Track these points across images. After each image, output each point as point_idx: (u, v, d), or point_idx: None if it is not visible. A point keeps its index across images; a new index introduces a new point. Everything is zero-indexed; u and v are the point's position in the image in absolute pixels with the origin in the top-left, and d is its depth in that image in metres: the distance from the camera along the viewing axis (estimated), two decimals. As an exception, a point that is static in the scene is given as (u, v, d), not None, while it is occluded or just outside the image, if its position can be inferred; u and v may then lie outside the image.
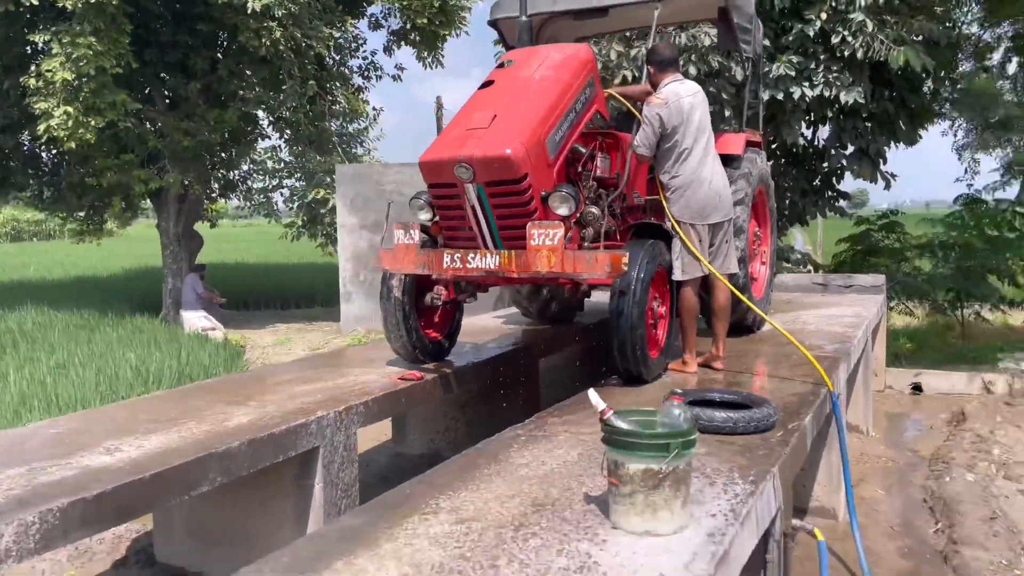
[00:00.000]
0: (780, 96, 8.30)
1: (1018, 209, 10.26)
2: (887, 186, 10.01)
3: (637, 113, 4.69)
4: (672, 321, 4.69)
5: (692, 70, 8.13)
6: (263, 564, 2.22)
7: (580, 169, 4.66)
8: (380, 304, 4.88)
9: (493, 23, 5.91)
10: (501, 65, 4.96)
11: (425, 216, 4.64)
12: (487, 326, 6.46)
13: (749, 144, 5.82)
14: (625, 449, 2.32)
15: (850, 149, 9.53)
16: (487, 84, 4.74)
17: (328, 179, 15.80)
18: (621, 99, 4.87)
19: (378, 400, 4.25)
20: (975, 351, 9.36)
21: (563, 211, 4.20)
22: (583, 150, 4.68)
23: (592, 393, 2.50)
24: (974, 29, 10.16)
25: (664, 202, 4.53)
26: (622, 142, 4.91)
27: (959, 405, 7.59)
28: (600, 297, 7.42)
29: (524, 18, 5.21)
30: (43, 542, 2.66)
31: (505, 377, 5.48)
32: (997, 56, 10.19)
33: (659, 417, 2.41)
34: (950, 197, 10.53)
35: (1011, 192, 9.91)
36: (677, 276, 4.50)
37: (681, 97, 4.40)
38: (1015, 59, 9.99)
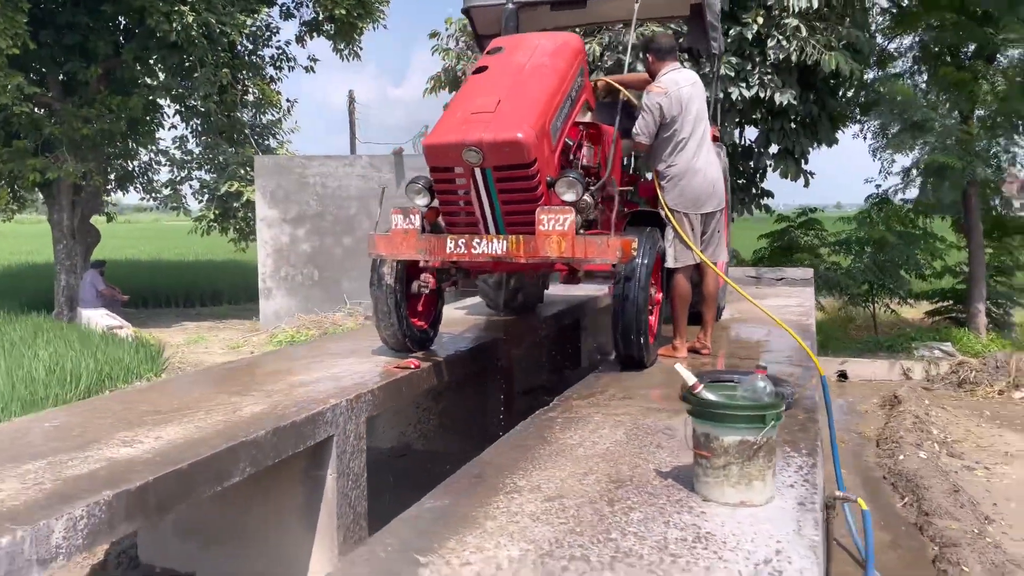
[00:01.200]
0: (720, 96, 8.61)
1: (919, 208, 11.03)
2: (806, 183, 10.60)
3: (636, 101, 4.78)
4: (663, 308, 4.80)
5: (639, 68, 8.32)
6: (374, 545, 2.14)
7: (571, 158, 4.71)
8: (371, 291, 4.77)
9: (466, 11, 5.87)
10: (491, 52, 4.94)
11: (423, 201, 4.56)
12: (454, 317, 6.40)
13: (713, 139, 6.03)
14: (719, 422, 2.37)
15: (775, 149, 10.00)
16: (481, 70, 4.71)
17: (242, 171, 15.26)
18: (620, 87, 4.92)
19: (383, 388, 4.15)
20: (890, 341, 9.98)
21: (570, 197, 4.23)
22: (570, 141, 4.73)
23: (681, 367, 2.53)
24: (879, 39, 10.83)
25: (659, 190, 4.63)
26: (604, 133, 4.99)
27: (887, 390, 8.10)
28: (559, 290, 7.57)
29: (511, 5, 5.21)
30: (90, 537, 2.47)
31: (484, 367, 5.46)
32: (901, 63, 10.93)
33: (741, 391, 2.47)
34: (860, 197, 11.30)
35: (912, 193, 10.65)
36: (670, 264, 4.61)
37: (680, 87, 4.51)
38: (921, 67, 10.73)
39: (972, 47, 9.60)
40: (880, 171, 10.40)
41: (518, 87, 4.41)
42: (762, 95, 8.67)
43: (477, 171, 4.16)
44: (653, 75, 4.67)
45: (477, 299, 6.91)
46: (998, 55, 9.39)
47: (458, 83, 11.24)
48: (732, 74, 8.54)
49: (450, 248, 4.30)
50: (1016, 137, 9.35)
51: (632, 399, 3.77)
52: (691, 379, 2.46)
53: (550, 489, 2.53)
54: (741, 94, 8.65)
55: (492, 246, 4.23)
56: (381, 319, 4.78)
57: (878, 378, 8.78)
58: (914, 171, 10.14)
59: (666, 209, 4.57)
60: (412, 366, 4.55)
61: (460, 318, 6.43)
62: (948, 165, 8.56)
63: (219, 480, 3.03)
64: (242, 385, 4.08)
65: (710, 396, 2.41)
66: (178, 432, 3.21)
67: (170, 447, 3.02)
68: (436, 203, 4.55)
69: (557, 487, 2.55)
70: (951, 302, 11.49)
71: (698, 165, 4.54)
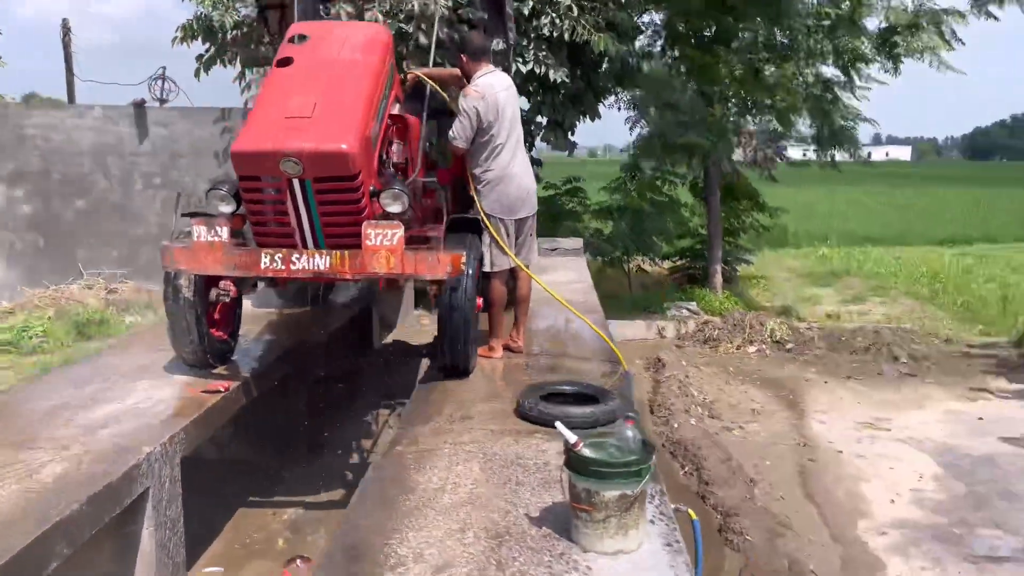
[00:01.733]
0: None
1: (668, 177, 12.09)
2: (570, 153, 11.17)
3: (446, 97, 4.70)
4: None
5: (422, 39, 8.15)
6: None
7: (383, 157, 4.54)
8: (165, 306, 4.33)
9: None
10: (292, 40, 4.58)
11: (227, 209, 4.17)
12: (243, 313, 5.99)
13: None
14: (600, 478, 2.47)
15: (544, 121, 10.36)
16: (285, 62, 4.36)
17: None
18: (432, 84, 4.78)
19: (196, 423, 3.82)
20: (645, 301, 10.92)
21: (396, 208, 4.10)
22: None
23: (561, 426, 2.59)
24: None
25: (475, 195, 4.62)
26: (411, 126, 4.86)
27: (647, 351, 8.90)
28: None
29: (309, -13, 4.83)
30: None
31: (289, 373, 5.21)
32: (642, 40, 11.71)
33: (613, 440, 2.59)
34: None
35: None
36: (487, 268, 4.65)
37: (496, 91, 4.49)
38: (662, 44, 11.57)
39: (713, 30, 10.54)
40: (632, 141, 11.21)
41: (334, 88, 4.15)
42: (537, 71, 8.89)
43: (295, 182, 3.88)
44: (468, 76, 4.61)
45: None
46: (734, 40, 10.39)
47: (213, 34, 10.25)
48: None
49: (265, 264, 4.01)
50: (748, 117, 10.52)
51: (471, 418, 3.80)
52: (572, 438, 2.54)
53: (434, 558, 2.50)
54: (518, 69, 8.79)
55: (314, 262, 4.00)
56: (179, 336, 4.36)
57: (639, 337, 9.61)
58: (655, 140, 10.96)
59: (482, 214, 4.58)
60: (222, 389, 4.22)
61: (250, 313, 6.03)
62: (697, 145, 9.44)
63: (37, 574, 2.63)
64: (24, 432, 3.54)
65: (591, 454, 2.51)
66: (-31, 515, 2.73)
67: (-35, 541, 2.57)
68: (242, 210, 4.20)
69: (440, 552, 2.53)
70: (688, 260, 12.83)
71: (513, 171, 4.59)
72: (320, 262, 3.99)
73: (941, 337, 9.58)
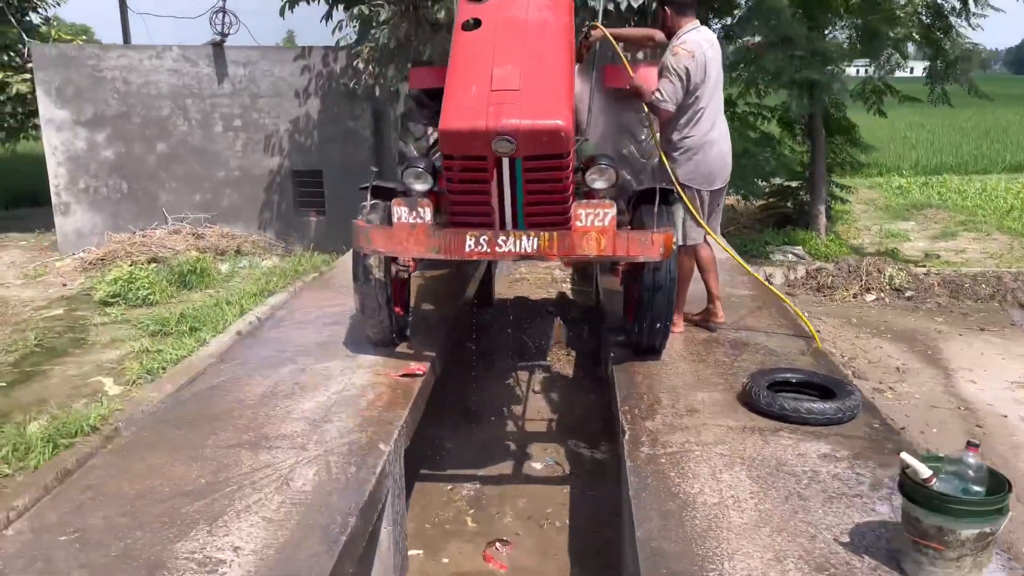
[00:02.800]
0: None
1: (762, 112, 11.60)
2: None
3: (625, 61, 4.38)
4: None
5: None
6: None
7: None
8: (355, 286, 4.17)
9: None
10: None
11: (423, 187, 3.96)
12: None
13: None
14: (957, 516, 2.28)
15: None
16: (472, 24, 4.06)
17: (4, 57, 12.66)
18: (614, 43, 4.44)
19: (411, 412, 3.69)
20: (744, 244, 10.60)
21: (601, 184, 3.86)
22: None
23: (909, 458, 2.39)
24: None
25: (667, 161, 4.33)
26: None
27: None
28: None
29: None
30: None
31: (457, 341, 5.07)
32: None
33: (959, 468, 2.38)
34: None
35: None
36: (679, 242, 4.39)
37: (704, 49, 4.16)
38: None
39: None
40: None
41: (534, 55, 3.85)
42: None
43: (505, 161, 3.63)
44: (670, 33, 4.26)
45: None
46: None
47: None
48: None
49: (470, 246, 3.79)
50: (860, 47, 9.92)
51: (697, 411, 3.62)
52: (924, 472, 2.33)
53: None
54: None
55: (521, 244, 3.78)
56: (370, 315, 4.22)
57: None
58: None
59: (677, 184, 4.30)
60: (419, 372, 4.07)
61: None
62: (816, 80, 8.95)
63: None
64: (251, 427, 3.43)
65: (947, 491, 2.31)
66: (251, 533, 2.62)
67: (258, 559, 2.46)
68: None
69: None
70: (779, 199, 12.42)
71: (714, 137, 4.29)
72: (527, 244, 3.77)
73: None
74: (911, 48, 10.34)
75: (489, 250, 3.79)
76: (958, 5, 10.26)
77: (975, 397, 6.19)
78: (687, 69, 4.09)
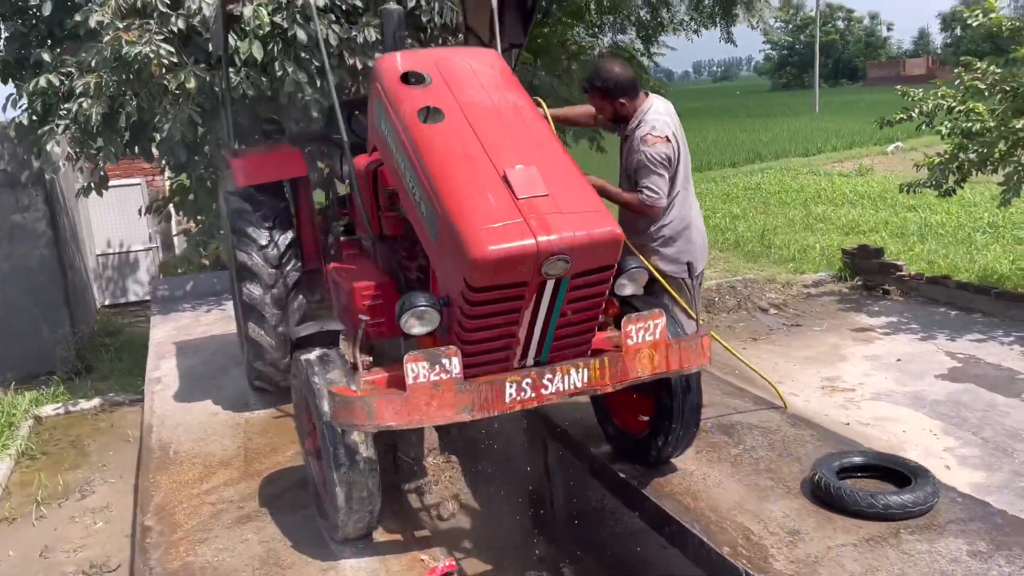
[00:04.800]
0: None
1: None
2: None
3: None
4: None
5: (300, 34, 6.66)
6: None
7: None
8: (336, 475, 3.11)
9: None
10: (407, 81, 3.44)
11: (424, 329, 3.06)
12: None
13: None
14: None
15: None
16: (433, 114, 3.26)
17: None
18: (551, 126, 3.86)
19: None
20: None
21: (631, 290, 3.33)
22: None
23: None
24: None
25: (645, 256, 3.87)
26: None
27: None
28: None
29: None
30: None
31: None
32: None
33: None
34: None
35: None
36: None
37: (673, 129, 3.78)
38: None
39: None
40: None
41: (533, 147, 3.23)
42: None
43: (549, 283, 2.95)
44: (625, 118, 3.81)
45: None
46: None
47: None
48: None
49: (511, 395, 3.01)
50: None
51: (801, 533, 3.25)
52: None
53: None
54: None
55: (569, 380, 3.10)
56: (357, 509, 3.19)
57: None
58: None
59: (660, 278, 3.88)
60: (451, 570, 3.14)
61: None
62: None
63: None
64: None
65: None
66: None
67: None
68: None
69: None
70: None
71: (691, 218, 3.95)
72: (576, 378, 3.14)
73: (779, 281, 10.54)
74: None
75: (534, 395, 3.05)
76: None
77: (804, 407, 6.68)
78: (667, 157, 3.72)
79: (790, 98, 57.65)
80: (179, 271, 9.47)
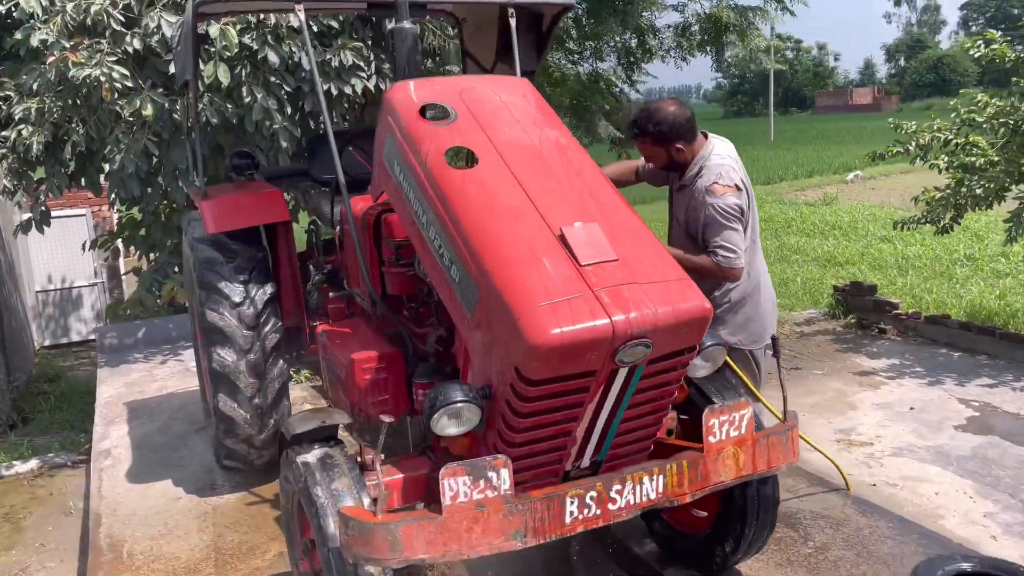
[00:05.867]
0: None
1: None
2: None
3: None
4: None
5: (272, 56, 6.02)
6: None
7: None
8: None
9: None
10: (432, 116, 2.83)
11: (462, 429, 2.44)
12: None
13: None
14: None
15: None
16: (467, 159, 2.67)
17: None
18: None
19: None
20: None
21: (705, 372, 2.75)
22: None
23: None
24: None
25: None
26: None
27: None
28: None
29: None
30: None
31: None
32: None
33: None
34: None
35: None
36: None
37: (741, 174, 3.24)
38: None
39: None
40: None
41: (588, 198, 2.62)
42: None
43: (621, 371, 2.36)
44: (682, 164, 3.25)
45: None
46: None
47: None
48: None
49: (572, 513, 2.40)
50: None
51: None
52: None
53: None
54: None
55: (642, 490, 2.50)
56: None
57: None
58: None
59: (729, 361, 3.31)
60: None
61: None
62: None
63: None
64: None
65: None
66: None
67: None
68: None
69: None
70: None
71: (760, 277, 3.38)
72: (650, 487, 2.55)
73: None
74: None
75: (600, 511, 2.44)
76: None
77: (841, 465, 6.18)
78: (740, 208, 3.18)
79: (744, 125, 58.67)
80: (129, 314, 8.62)
